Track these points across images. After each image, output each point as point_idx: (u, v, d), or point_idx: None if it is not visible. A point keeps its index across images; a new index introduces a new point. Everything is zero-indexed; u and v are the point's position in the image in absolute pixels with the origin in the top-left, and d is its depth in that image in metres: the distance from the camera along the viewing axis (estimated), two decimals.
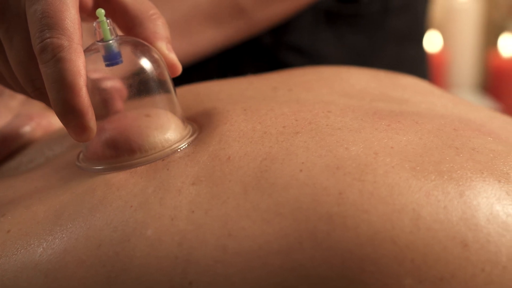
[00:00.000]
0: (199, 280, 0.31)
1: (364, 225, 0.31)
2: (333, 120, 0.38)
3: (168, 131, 0.39)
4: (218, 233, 0.32)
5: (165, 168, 0.37)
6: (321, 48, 0.73)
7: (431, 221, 0.31)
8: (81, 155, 0.41)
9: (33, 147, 0.50)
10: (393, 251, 0.30)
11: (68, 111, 0.35)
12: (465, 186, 0.33)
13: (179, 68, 0.41)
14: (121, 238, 0.33)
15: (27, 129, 0.52)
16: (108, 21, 0.38)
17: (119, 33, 0.40)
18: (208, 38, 0.65)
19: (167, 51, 0.40)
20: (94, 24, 0.38)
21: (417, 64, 0.81)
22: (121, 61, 0.38)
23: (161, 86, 0.39)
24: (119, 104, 0.39)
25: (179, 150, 0.38)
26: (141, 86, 0.39)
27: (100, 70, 0.38)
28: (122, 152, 0.38)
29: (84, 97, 0.35)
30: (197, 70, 0.68)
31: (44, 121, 0.53)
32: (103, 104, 0.38)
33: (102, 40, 0.38)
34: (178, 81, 0.42)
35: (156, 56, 0.39)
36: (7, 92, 0.55)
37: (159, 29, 0.41)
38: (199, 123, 0.42)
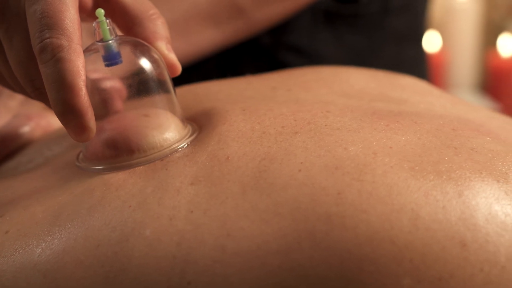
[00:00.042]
0: (198, 280, 0.31)
1: (363, 225, 0.31)
2: (332, 120, 0.38)
3: (167, 131, 0.39)
4: (217, 233, 0.32)
5: (164, 168, 0.37)
6: (320, 48, 0.73)
7: (430, 221, 0.31)
8: (81, 155, 0.41)
9: (32, 147, 0.50)
10: (391, 251, 0.30)
11: (68, 111, 0.35)
12: (463, 186, 0.33)
13: (179, 68, 0.41)
14: (119, 238, 0.33)
15: (26, 129, 0.52)
16: (107, 21, 0.38)
17: (119, 33, 0.40)
18: (207, 38, 0.65)
19: (167, 51, 0.40)
20: (93, 24, 0.38)
21: (416, 64, 0.81)
22: (121, 61, 0.38)
23: (161, 86, 0.39)
24: (118, 104, 0.39)
25: (178, 150, 0.38)
26: (140, 86, 0.38)
27: (100, 70, 0.38)
28: (121, 152, 0.38)
29: (84, 97, 0.35)
30: (196, 70, 0.68)
31: (43, 121, 0.53)
32: (103, 104, 0.38)
33: (101, 40, 0.38)
34: (177, 81, 0.42)
35: (155, 56, 0.39)
36: (6, 92, 0.55)
37: (159, 29, 0.41)
38: (199, 123, 0.42)
